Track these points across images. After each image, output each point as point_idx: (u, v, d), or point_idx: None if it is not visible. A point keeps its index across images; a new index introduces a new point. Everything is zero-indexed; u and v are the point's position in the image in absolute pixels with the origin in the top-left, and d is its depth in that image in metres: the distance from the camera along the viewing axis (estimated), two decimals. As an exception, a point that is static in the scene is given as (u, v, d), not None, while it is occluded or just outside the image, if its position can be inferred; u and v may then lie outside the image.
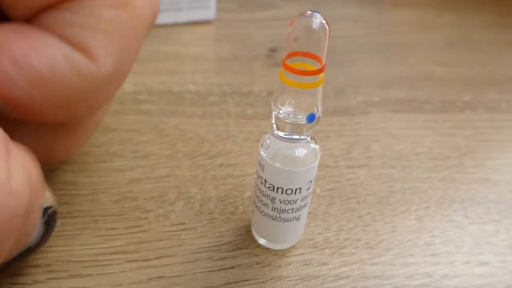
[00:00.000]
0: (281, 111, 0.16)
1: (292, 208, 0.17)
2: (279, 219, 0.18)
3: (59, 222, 0.19)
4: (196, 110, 0.26)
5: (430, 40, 0.37)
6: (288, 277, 0.18)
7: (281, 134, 0.16)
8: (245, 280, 0.18)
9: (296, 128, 0.16)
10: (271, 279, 0.18)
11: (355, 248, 0.19)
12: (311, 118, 0.16)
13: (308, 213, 0.21)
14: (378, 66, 0.33)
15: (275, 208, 0.17)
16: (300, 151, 0.17)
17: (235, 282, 0.18)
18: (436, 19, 0.40)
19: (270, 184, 0.17)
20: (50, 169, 0.21)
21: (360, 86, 0.30)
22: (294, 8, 0.40)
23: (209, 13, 0.35)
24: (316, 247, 0.19)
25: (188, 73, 0.29)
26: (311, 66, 0.15)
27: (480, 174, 0.24)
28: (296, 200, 0.17)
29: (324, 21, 0.14)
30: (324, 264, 0.19)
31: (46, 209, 0.15)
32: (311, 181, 0.17)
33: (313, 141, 0.17)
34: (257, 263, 0.18)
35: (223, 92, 0.28)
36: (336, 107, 0.28)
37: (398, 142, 0.25)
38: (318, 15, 0.14)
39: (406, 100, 0.29)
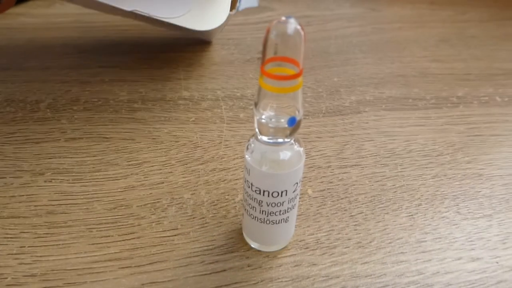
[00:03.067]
0: (263, 116, 0.16)
1: (280, 211, 0.18)
2: (268, 222, 0.18)
3: (54, 231, 0.20)
4: (189, 116, 0.27)
5: (425, 37, 0.37)
6: (278, 278, 0.18)
7: (264, 138, 0.17)
8: (236, 283, 0.18)
9: (279, 131, 0.16)
10: (262, 281, 0.18)
11: (346, 247, 0.20)
12: (292, 121, 0.16)
13: (299, 214, 0.21)
14: (372, 64, 0.33)
15: (263, 211, 0.18)
16: (285, 154, 0.17)
17: (226, 285, 0.18)
18: (431, 15, 0.40)
19: (256, 187, 0.17)
20: (46, 180, 0.22)
21: (354, 85, 0.30)
22: (289, 9, 0.40)
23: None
24: (307, 248, 0.20)
25: (182, 79, 0.30)
26: (290, 70, 0.15)
27: (473, 169, 0.24)
28: (283, 202, 0.17)
29: (299, 26, 0.14)
30: (314, 264, 0.19)
31: None
32: (297, 183, 0.17)
33: (297, 144, 0.17)
34: (249, 266, 0.19)
35: (216, 97, 0.28)
36: (329, 108, 0.28)
37: (391, 141, 0.26)
38: (292, 20, 0.14)
39: (400, 98, 0.29)
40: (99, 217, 0.20)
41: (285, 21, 0.15)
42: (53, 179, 0.22)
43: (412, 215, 0.21)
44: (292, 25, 0.14)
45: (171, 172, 0.23)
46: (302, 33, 0.15)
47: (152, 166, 0.23)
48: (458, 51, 0.35)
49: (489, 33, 0.37)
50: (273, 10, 0.40)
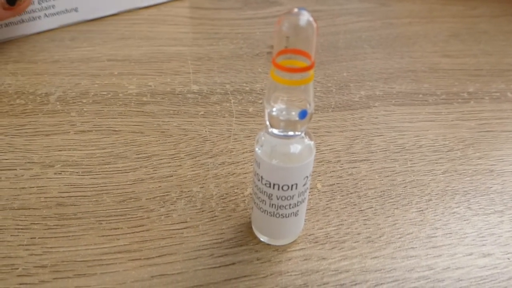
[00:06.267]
0: (274, 109, 0.16)
1: (290, 204, 0.18)
2: (277, 215, 0.18)
3: (64, 223, 0.20)
4: (198, 110, 0.26)
5: (435, 32, 0.36)
6: (288, 272, 0.18)
7: (275, 131, 0.16)
8: (245, 276, 0.18)
9: (290, 125, 0.16)
10: (271, 274, 0.18)
11: (355, 242, 0.20)
12: (303, 114, 0.16)
13: (309, 209, 0.21)
14: (382, 59, 0.32)
15: (272, 204, 0.18)
16: (295, 147, 0.17)
17: (235, 278, 0.18)
18: (441, 10, 0.40)
19: (266, 181, 0.17)
20: (56, 172, 0.22)
21: (363, 80, 0.30)
22: (298, 4, 0.40)
23: None
24: (316, 242, 0.19)
25: (191, 73, 0.30)
26: (302, 63, 0.15)
27: (484, 165, 0.24)
28: (293, 196, 0.17)
29: (311, 18, 0.14)
30: (324, 258, 0.19)
31: None
32: (307, 176, 0.17)
33: (307, 137, 0.17)
34: (258, 259, 0.19)
35: (225, 90, 0.28)
36: (339, 102, 0.28)
37: (401, 136, 0.25)
38: (305, 12, 0.14)
39: (410, 93, 0.29)
40: (109, 210, 0.20)
41: (297, 13, 0.14)
42: (63, 171, 0.22)
43: (422, 210, 0.21)
44: (305, 16, 0.14)
45: (180, 166, 0.23)
46: (315, 25, 0.14)
47: (161, 159, 0.23)
48: (469, 46, 0.34)
49: (501, 28, 0.37)
50: (282, 4, 0.40)
